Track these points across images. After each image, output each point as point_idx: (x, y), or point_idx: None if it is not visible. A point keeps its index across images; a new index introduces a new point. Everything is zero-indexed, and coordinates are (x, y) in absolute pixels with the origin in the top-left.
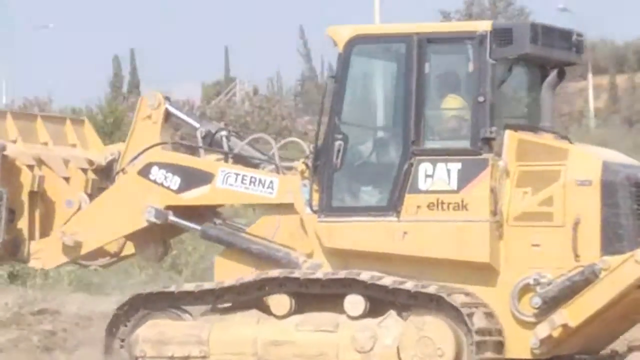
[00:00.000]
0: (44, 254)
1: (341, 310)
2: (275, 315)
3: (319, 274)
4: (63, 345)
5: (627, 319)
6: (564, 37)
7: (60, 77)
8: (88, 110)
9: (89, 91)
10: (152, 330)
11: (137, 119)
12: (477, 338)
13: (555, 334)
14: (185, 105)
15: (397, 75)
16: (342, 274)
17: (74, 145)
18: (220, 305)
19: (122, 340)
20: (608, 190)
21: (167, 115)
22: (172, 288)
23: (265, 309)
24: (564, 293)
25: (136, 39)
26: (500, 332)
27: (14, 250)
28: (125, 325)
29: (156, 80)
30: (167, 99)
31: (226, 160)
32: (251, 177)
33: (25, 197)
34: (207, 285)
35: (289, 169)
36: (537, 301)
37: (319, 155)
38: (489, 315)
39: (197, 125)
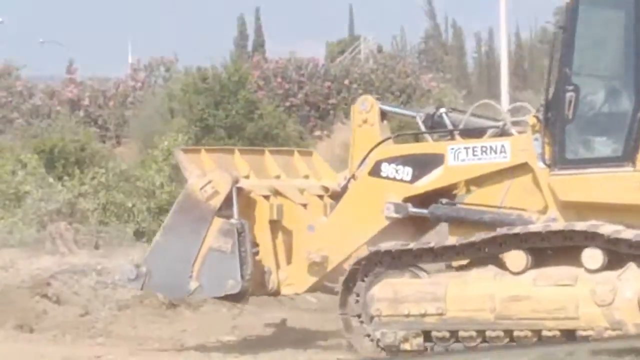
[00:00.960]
0: (294, 279)
1: (579, 264)
2: (511, 271)
3: (559, 226)
4: (188, 301)
5: None
6: None
7: (188, 36)
8: (213, 69)
9: (215, 50)
10: (387, 289)
11: (354, 127)
12: None
13: None
14: (309, 64)
15: (627, 23)
16: (582, 226)
17: (306, 177)
18: (455, 263)
19: (358, 295)
20: None
21: (382, 115)
22: (411, 245)
23: (502, 265)
24: None
25: None
26: None
27: (262, 282)
28: (363, 281)
29: (280, 38)
30: (377, 99)
31: (452, 138)
32: (482, 147)
33: (266, 227)
34: (447, 242)
35: (518, 124)
36: None
37: (549, 108)
38: None
39: (414, 114)
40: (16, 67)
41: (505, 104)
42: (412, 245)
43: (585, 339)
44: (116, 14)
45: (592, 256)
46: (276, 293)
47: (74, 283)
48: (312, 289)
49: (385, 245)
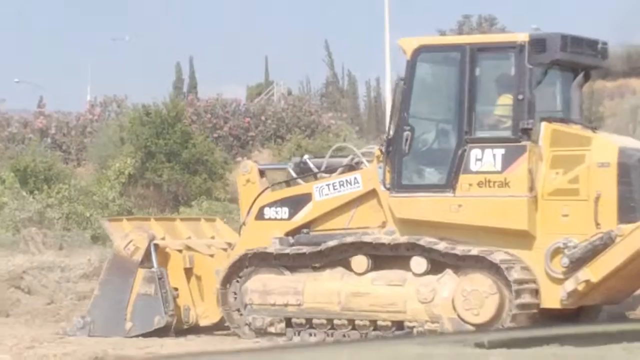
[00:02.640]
0: (209, 312)
1: (408, 269)
2: (356, 272)
3: (386, 239)
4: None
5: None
6: (591, 45)
7: (135, 79)
8: (155, 106)
9: (157, 90)
10: (258, 283)
11: (240, 187)
12: (515, 287)
13: (580, 288)
14: (233, 103)
15: (453, 78)
16: (404, 239)
17: (212, 237)
18: (312, 264)
19: (235, 293)
20: (623, 171)
21: (262, 172)
22: (270, 249)
23: (349, 267)
24: (587, 255)
25: (194, 48)
26: (534, 282)
27: (183, 317)
28: (237, 281)
29: (209, 82)
30: (255, 162)
31: (316, 178)
32: (339, 182)
33: (182, 274)
34: (303, 250)
35: (369, 155)
36: (565, 261)
37: (390, 143)
38: (525, 268)
39: (284, 166)
40: None
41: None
42: (271, 249)
43: (411, 329)
44: (78, 58)
45: (418, 263)
46: (196, 325)
47: (42, 277)
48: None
49: (252, 250)
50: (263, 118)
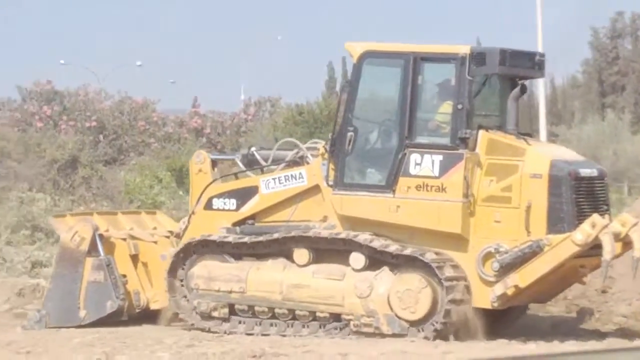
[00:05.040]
0: (158, 297)
1: (347, 264)
2: (297, 264)
3: (325, 233)
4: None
5: (564, 282)
6: (529, 58)
7: (289, 79)
8: (308, 105)
9: (310, 91)
10: (203, 269)
11: (192, 175)
12: (446, 284)
13: (509, 292)
14: None
15: (397, 84)
16: (343, 234)
17: (154, 228)
18: (256, 253)
19: (182, 280)
20: (554, 183)
21: (214, 163)
22: (215, 237)
23: (291, 259)
24: (516, 261)
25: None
26: (465, 279)
27: (134, 302)
28: (182, 269)
29: None
30: (208, 152)
31: (262, 172)
32: (285, 176)
33: (128, 261)
34: (244, 239)
35: (313, 150)
36: (496, 265)
37: (335, 142)
38: (455, 267)
39: (233, 157)
40: (152, 102)
41: (543, 135)
42: (215, 237)
43: (348, 322)
44: (233, 60)
45: (356, 259)
46: (147, 309)
47: None
48: None
49: (195, 238)
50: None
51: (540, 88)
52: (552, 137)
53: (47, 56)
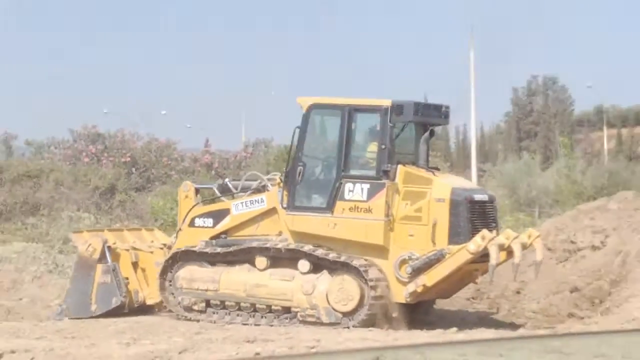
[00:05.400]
0: (152, 294)
1: (296, 268)
2: (258, 269)
3: (279, 245)
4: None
5: (462, 282)
6: (436, 109)
7: (280, 124)
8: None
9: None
10: (187, 272)
11: (180, 200)
12: (371, 284)
13: (419, 289)
14: None
15: (336, 129)
16: (293, 245)
17: (152, 242)
18: (227, 259)
19: (170, 281)
20: (453, 205)
21: (197, 191)
22: (196, 248)
23: (253, 264)
24: (425, 265)
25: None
26: (386, 279)
27: (134, 298)
28: (171, 272)
29: None
30: (193, 182)
31: (233, 197)
32: (250, 201)
33: (130, 267)
34: (218, 249)
35: (273, 180)
36: (409, 269)
37: (288, 174)
38: (379, 271)
39: (212, 186)
40: (174, 142)
41: (473, 170)
42: (196, 248)
43: (295, 313)
44: (236, 109)
45: (303, 264)
46: (144, 304)
47: None
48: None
49: (181, 249)
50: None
51: (472, 133)
52: (481, 172)
53: (93, 106)
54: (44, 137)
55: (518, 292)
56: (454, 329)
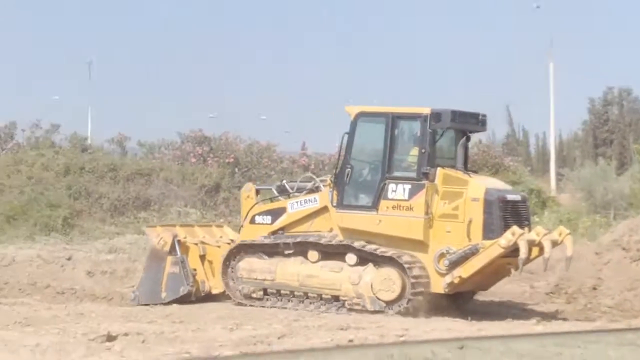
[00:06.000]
0: (217, 285)
1: (344, 261)
2: (310, 261)
3: (332, 241)
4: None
5: (497, 275)
6: (474, 117)
7: None
8: None
9: None
10: (246, 264)
11: (242, 200)
12: (412, 280)
13: (455, 281)
14: None
15: (380, 135)
16: (345, 241)
17: (220, 237)
18: (283, 252)
19: (232, 269)
20: (487, 204)
21: (257, 191)
22: (257, 240)
23: (306, 257)
24: (461, 259)
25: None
26: (427, 277)
27: (200, 288)
28: (234, 260)
29: None
30: (254, 183)
31: (289, 197)
32: (305, 200)
33: (198, 259)
34: (275, 240)
35: (325, 181)
36: (447, 262)
37: (337, 176)
38: (422, 268)
39: (271, 187)
40: (273, 145)
41: (552, 174)
42: (259, 240)
43: (343, 302)
44: (329, 115)
45: (350, 258)
46: (209, 293)
47: None
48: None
49: (243, 241)
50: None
51: (551, 140)
52: (559, 176)
53: (199, 110)
54: (154, 139)
55: (594, 288)
56: (534, 320)
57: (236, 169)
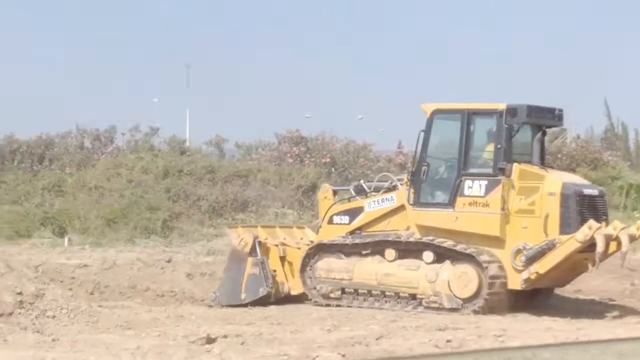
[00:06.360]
0: (296, 286)
1: (421, 259)
2: (387, 260)
3: (411, 239)
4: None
5: (574, 271)
6: (550, 112)
7: None
8: None
9: None
10: (324, 264)
11: (320, 201)
12: (489, 280)
13: (532, 276)
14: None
15: (456, 131)
16: (420, 238)
17: (301, 239)
18: (360, 252)
19: (310, 267)
20: (564, 199)
21: (334, 192)
22: (337, 240)
23: (383, 256)
24: (538, 254)
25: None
26: (504, 277)
27: (279, 289)
28: (313, 259)
29: None
30: (331, 186)
31: (367, 196)
32: (382, 199)
33: (278, 261)
34: (353, 240)
35: (402, 180)
36: (524, 258)
37: (414, 174)
38: (500, 267)
39: (349, 188)
40: (370, 144)
41: None
42: (337, 240)
43: (420, 300)
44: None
45: (427, 255)
46: (288, 294)
47: None
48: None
49: (323, 241)
50: (559, 155)
51: None
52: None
53: (295, 112)
54: (252, 140)
55: None
56: (635, 319)
57: (333, 169)
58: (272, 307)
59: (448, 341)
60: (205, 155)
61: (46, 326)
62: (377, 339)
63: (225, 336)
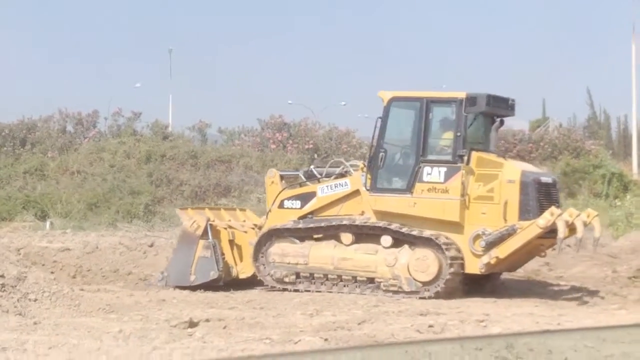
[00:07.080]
0: (245, 269)
1: (379, 243)
2: (344, 244)
3: (366, 222)
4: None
5: (529, 255)
6: (504, 102)
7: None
8: None
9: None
10: (278, 248)
11: (267, 185)
12: (449, 261)
13: (492, 261)
14: (519, 133)
15: (414, 119)
16: (381, 223)
17: (244, 221)
18: (315, 236)
19: (262, 254)
20: (523, 186)
21: (282, 177)
22: (289, 225)
23: (339, 240)
24: (497, 240)
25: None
26: (462, 258)
27: (229, 272)
28: (265, 245)
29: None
30: (278, 170)
31: (319, 181)
32: (335, 184)
33: (227, 244)
34: (309, 224)
35: (355, 166)
36: (483, 243)
37: (371, 159)
38: (457, 250)
39: (298, 173)
40: (352, 131)
41: (634, 158)
42: (289, 225)
43: (379, 284)
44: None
45: (386, 240)
46: (237, 278)
47: None
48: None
49: (274, 226)
50: (542, 144)
51: (633, 124)
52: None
53: (279, 97)
54: (235, 126)
55: None
56: (615, 305)
57: (315, 155)
58: (254, 291)
59: (430, 326)
60: (188, 140)
61: (28, 309)
62: (359, 324)
63: (207, 320)
